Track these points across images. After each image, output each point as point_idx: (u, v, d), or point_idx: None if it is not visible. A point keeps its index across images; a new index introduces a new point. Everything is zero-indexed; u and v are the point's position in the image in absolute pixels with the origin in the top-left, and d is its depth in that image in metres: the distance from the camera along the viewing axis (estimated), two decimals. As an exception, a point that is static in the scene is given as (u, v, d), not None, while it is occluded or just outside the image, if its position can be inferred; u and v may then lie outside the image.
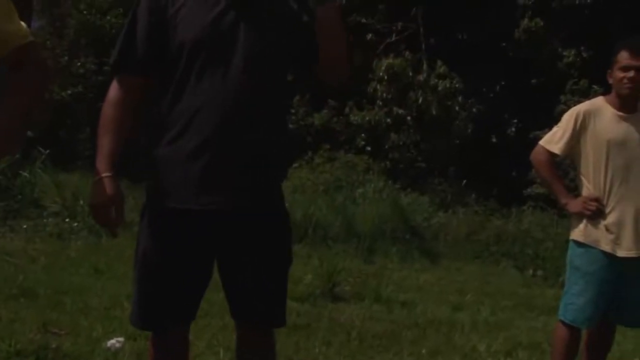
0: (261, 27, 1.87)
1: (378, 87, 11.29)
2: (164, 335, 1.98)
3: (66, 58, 12.41)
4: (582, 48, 11.01)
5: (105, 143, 1.87)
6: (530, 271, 7.12)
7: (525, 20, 11.23)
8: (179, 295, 1.92)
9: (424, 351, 3.66)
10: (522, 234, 8.16)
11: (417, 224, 8.25)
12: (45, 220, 6.26)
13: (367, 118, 11.35)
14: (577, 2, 10.95)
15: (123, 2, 11.77)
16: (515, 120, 11.87)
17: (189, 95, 1.82)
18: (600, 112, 2.94)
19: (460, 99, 11.16)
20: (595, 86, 9.76)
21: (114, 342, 3.18)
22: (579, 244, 2.96)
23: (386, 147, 11.25)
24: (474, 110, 11.38)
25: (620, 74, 2.89)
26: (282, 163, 2.00)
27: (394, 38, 12.20)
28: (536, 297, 5.79)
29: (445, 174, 10.97)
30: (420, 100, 11.03)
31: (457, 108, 11.09)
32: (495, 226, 8.46)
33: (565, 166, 6.65)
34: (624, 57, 2.88)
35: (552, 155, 3.04)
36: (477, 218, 8.89)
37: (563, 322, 2.98)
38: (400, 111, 11.14)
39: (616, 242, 2.88)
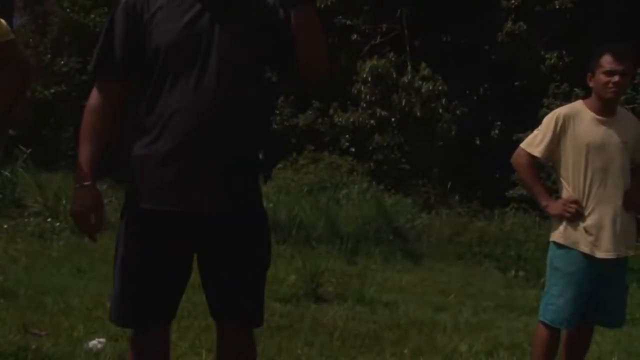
0: (236, 29, 1.89)
1: (362, 88, 11.33)
2: (144, 335, 1.98)
3: (49, 56, 12.30)
4: (564, 52, 11.13)
5: (85, 150, 1.90)
6: (512, 272, 7.18)
7: (509, 24, 11.32)
8: (157, 295, 1.93)
9: (406, 351, 3.68)
10: (504, 236, 8.23)
11: (401, 225, 8.29)
12: (26, 220, 6.21)
13: (351, 119, 11.39)
14: (557, 6, 11.06)
15: (107, 0, 11.71)
16: (499, 123, 11.97)
17: (166, 98, 1.84)
18: (579, 115, 2.98)
19: (444, 101, 11.23)
20: (577, 89, 9.86)
21: (95, 342, 3.16)
22: (558, 245, 3.00)
23: (370, 148, 11.29)
24: (458, 112, 11.45)
25: (605, 78, 2.92)
26: (259, 165, 2.01)
27: (378, 40, 12.25)
28: (518, 298, 5.84)
29: (428, 175, 11.03)
30: (404, 102, 11.08)
31: (440, 110, 11.16)
32: (478, 227, 8.51)
33: (549, 168, 6.72)
34: (607, 61, 2.91)
35: (532, 157, 3.08)
36: (460, 219, 8.94)
37: (543, 323, 3.02)
38: (384, 113, 11.18)
39: (595, 243, 2.92)
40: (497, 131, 11.99)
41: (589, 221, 2.93)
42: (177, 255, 1.92)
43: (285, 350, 3.48)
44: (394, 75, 11.25)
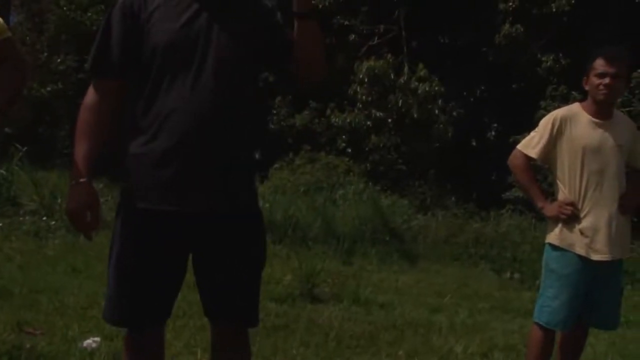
0: (233, 29, 1.89)
1: (359, 89, 11.33)
2: (138, 334, 1.98)
3: (46, 54, 12.27)
4: (561, 54, 11.16)
5: (81, 148, 1.89)
6: (508, 274, 7.19)
7: (506, 26, 11.34)
8: (153, 295, 1.93)
9: (401, 352, 3.68)
10: (500, 237, 8.24)
11: (397, 226, 8.30)
12: (21, 218, 6.19)
13: (347, 120, 11.39)
14: (555, 9, 11.09)
15: (104, -1, 11.69)
16: (495, 125, 12.00)
17: (163, 98, 1.84)
18: (576, 118, 2.99)
19: (440, 102, 11.24)
20: (574, 92, 9.89)
21: (90, 342, 3.15)
22: (554, 247, 3.00)
23: (367, 149, 11.29)
24: (454, 113, 11.46)
25: (597, 81, 2.94)
26: (255, 165, 2.01)
27: (376, 40, 12.26)
28: (513, 300, 5.85)
29: (425, 176, 11.04)
30: (400, 103, 11.09)
31: (436, 112, 11.17)
32: (474, 229, 8.52)
33: (545, 170, 6.73)
34: (599, 64, 2.94)
35: (529, 159, 3.08)
36: (456, 221, 8.95)
37: (538, 325, 3.02)
38: (381, 114, 11.19)
39: (590, 245, 2.92)
40: (493, 133, 12.02)
41: (585, 223, 2.94)
42: (173, 254, 1.91)
43: (281, 350, 3.47)
44: (391, 76, 11.26)
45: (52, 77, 11.98)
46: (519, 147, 3.13)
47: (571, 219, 2.95)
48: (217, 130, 1.84)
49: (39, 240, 5.72)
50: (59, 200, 6.42)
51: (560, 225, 2.98)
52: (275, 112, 12.57)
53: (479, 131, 12.11)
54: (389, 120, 11.27)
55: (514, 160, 3.14)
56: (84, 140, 1.89)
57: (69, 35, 12.29)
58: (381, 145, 11.19)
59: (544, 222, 3.23)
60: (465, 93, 12.25)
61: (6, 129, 10.36)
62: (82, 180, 1.87)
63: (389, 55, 11.48)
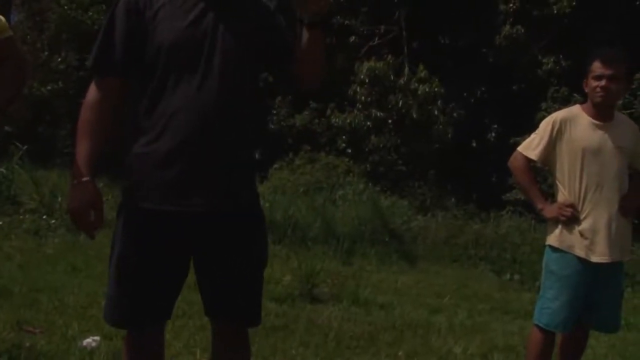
0: (237, 28, 1.89)
1: (359, 89, 11.33)
2: (139, 334, 1.98)
3: (46, 53, 12.26)
4: (561, 56, 11.16)
5: (83, 146, 1.87)
6: (508, 275, 7.20)
7: (507, 27, 11.35)
8: (154, 295, 1.92)
9: (401, 353, 3.68)
10: (500, 239, 8.24)
11: (397, 226, 8.30)
12: (21, 217, 6.19)
13: (348, 120, 11.39)
14: (556, 11, 11.09)
15: (105, -2, 11.69)
16: (496, 126, 11.99)
17: (167, 98, 1.83)
18: (576, 120, 2.99)
19: (439, 103, 11.24)
20: (575, 94, 9.89)
21: (89, 341, 3.15)
22: (554, 249, 3.00)
23: (366, 149, 11.29)
24: (455, 114, 11.46)
25: (594, 83, 2.95)
26: (256, 165, 2.01)
27: (376, 41, 12.26)
28: (513, 301, 5.85)
29: (425, 177, 11.03)
30: (400, 104, 11.09)
31: (436, 112, 11.17)
32: (474, 230, 8.52)
33: (545, 172, 6.74)
34: (596, 66, 2.94)
35: (529, 161, 3.09)
36: (456, 222, 8.95)
37: (538, 326, 3.02)
38: (381, 114, 11.19)
39: (590, 247, 2.92)
40: (493, 134, 12.01)
41: (585, 225, 2.94)
42: (174, 254, 1.91)
43: (280, 350, 3.47)
44: (391, 77, 11.26)
45: (52, 76, 11.96)
46: (519, 149, 3.14)
47: (571, 220, 2.95)
48: (220, 130, 1.83)
49: (39, 239, 5.72)
50: (59, 199, 6.42)
51: (560, 226, 2.98)
52: (275, 112, 12.56)
53: (479, 132, 12.11)
54: (389, 120, 11.27)
55: (514, 162, 3.14)
56: (86, 139, 1.87)
57: (69, 34, 12.28)
58: (381, 145, 11.19)
59: (544, 223, 3.23)
60: (465, 94, 12.24)
61: (6, 128, 10.36)
62: (84, 179, 1.85)
63: (390, 56, 11.48)
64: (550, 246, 3.03)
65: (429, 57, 11.69)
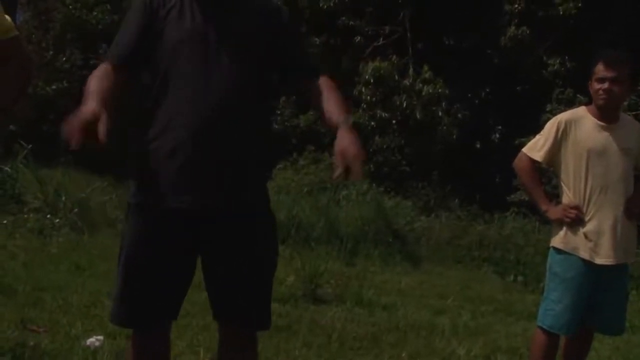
0: (242, 28, 1.90)
1: (364, 90, 11.32)
2: (145, 334, 1.98)
3: (51, 52, 12.30)
4: (567, 57, 11.14)
5: (91, 87, 1.80)
6: (511, 276, 7.18)
7: (512, 28, 11.32)
8: (160, 294, 1.92)
9: (404, 354, 3.67)
10: (503, 240, 8.22)
11: (400, 227, 8.28)
12: (26, 216, 6.19)
13: (352, 120, 11.36)
14: (562, 12, 11.06)
15: (110, -2, 11.72)
16: (500, 127, 11.97)
17: (170, 97, 1.84)
18: (581, 121, 2.99)
19: (444, 104, 11.23)
20: (580, 96, 9.87)
21: (93, 340, 3.16)
22: (558, 250, 3.00)
23: (370, 150, 11.28)
24: (459, 115, 11.45)
25: (597, 86, 2.94)
26: (262, 165, 2.00)
27: (381, 41, 12.25)
28: (516, 303, 5.84)
29: (428, 178, 11.02)
30: (405, 105, 11.08)
31: (440, 114, 11.15)
32: (478, 231, 8.50)
33: (550, 173, 6.73)
34: (599, 69, 2.94)
35: (534, 162, 3.08)
36: (459, 223, 8.94)
37: (542, 328, 3.01)
38: (385, 114, 11.18)
39: (595, 249, 2.91)
40: (498, 135, 11.99)
41: (589, 227, 2.93)
42: (181, 254, 1.91)
43: (283, 351, 3.47)
44: (396, 78, 11.25)
45: (57, 75, 12.00)
46: (524, 150, 3.13)
47: (575, 222, 2.94)
48: (223, 129, 1.84)
49: (43, 238, 5.73)
50: (63, 198, 6.42)
51: (564, 228, 2.98)
52: (279, 112, 12.57)
53: (484, 133, 12.09)
54: (393, 121, 11.26)
55: (519, 163, 3.13)
56: (95, 83, 1.81)
57: (74, 34, 12.32)
58: (385, 146, 11.18)
59: (548, 225, 3.23)
60: (470, 95, 12.23)
61: (11, 127, 10.39)
62: (91, 102, 1.72)
63: (394, 57, 11.47)
64: (554, 248, 3.02)
65: (434, 58, 11.68)
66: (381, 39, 12.31)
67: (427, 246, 7.96)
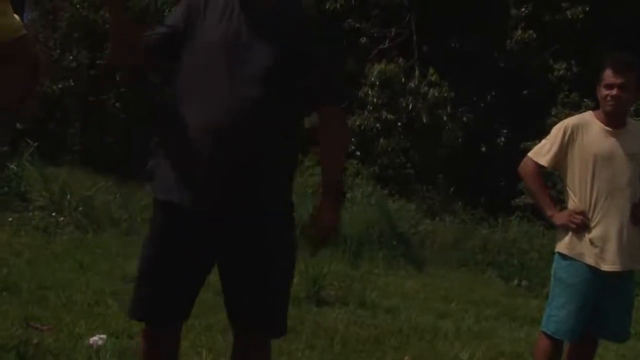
0: (271, 32, 1.91)
1: (369, 92, 11.32)
2: (158, 330, 2.00)
3: (58, 51, 12.33)
4: (573, 62, 11.11)
5: None
6: (515, 281, 7.15)
7: (518, 32, 11.30)
8: (175, 292, 1.94)
9: (407, 358, 3.67)
10: (508, 244, 8.19)
11: (404, 230, 8.26)
12: (31, 213, 6.21)
13: (357, 122, 11.37)
14: (570, 16, 11.04)
15: (117, -2, 11.71)
16: (505, 130, 11.95)
17: (197, 95, 1.86)
18: (588, 126, 2.98)
19: (448, 108, 11.21)
20: (586, 100, 9.84)
21: (96, 339, 3.16)
22: (563, 256, 2.98)
23: (375, 152, 11.27)
24: (464, 119, 11.43)
25: (604, 91, 2.93)
26: (284, 170, 2.00)
27: (387, 44, 12.25)
28: (520, 307, 5.82)
29: (433, 181, 11.00)
30: (410, 107, 11.07)
31: (444, 118, 11.15)
32: (482, 235, 8.48)
33: (555, 177, 6.71)
34: (607, 74, 2.92)
35: (539, 167, 3.07)
36: (464, 226, 8.91)
37: (545, 334, 3.00)
38: (391, 117, 11.17)
39: (600, 255, 2.90)
40: (503, 139, 11.96)
41: (595, 233, 2.92)
42: (199, 254, 1.93)
43: (286, 353, 3.47)
44: (402, 80, 11.24)
45: (63, 74, 12.03)
46: (529, 154, 3.12)
47: (581, 228, 2.93)
48: (247, 133, 1.84)
49: (48, 236, 5.74)
50: (68, 197, 6.43)
51: (569, 234, 2.97)
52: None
53: (489, 137, 12.07)
54: (399, 123, 11.25)
55: (524, 167, 3.12)
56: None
57: (81, 33, 12.33)
58: (390, 148, 11.17)
59: (553, 229, 3.22)
60: (475, 98, 12.20)
61: (17, 124, 10.41)
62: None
63: (400, 59, 11.46)
64: (559, 253, 3.01)
65: (439, 61, 11.67)
66: (387, 41, 12.30)
67: (431, 249, 7.94)
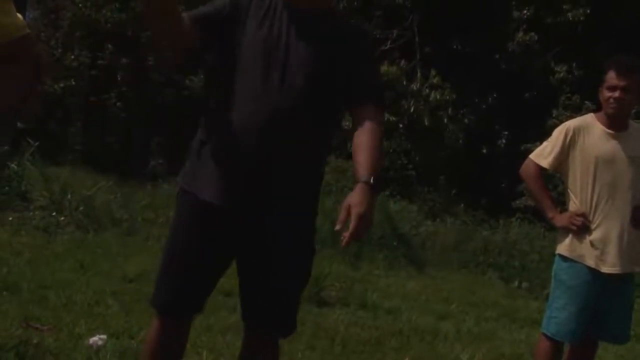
0: (319, 52, 1.91)
1: (372, 93, 11.31)
2: (175, 321, 2.01)
3: (60, 50, 12.34)
4: (574, 64, 11.11)
5: None
6: (516, 283, 7.15)
7: (520, 34, 11.30)
8: (201, 285, 1.98)
9: (407, 359, 3.66)
10: (509, 246, 8.19)
11: (405, 231, 8.26)
12: (31, 213, 6.21)
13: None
14: (571, 18, 11.04)
15: (119, -3, 11.74)
16: (506, 133, 11.95)
17: (237, 97, 1.87)
18: (590, 128, 2.97)
19: (450, 111, 11.21)
20: (587, 102, 9.84)
21: (96, 339, 3.16)
22: (564, 258, 2.98)
23: (377, 153, 11.25)
24: (466, 120, 11.43)
25: (607, 94, 2.92)
26: (312, 178, 2.02)
27: (389, 45, 12.25)
28: (520, 309, 5.81)
29: (435, 183, 11.00)
30: (412, 109, 11.07)
31: (445, 120, 11.14)
32: (483, 237, 8.47)
33: (556, 179, 6.70)
34: (611, 77, 2.92)
35: (541, 169, 3.07)
36: (464, 228, 8.91)
37: (546, 335, 3.00)
38: (392, 119, 11.16)
39: (601, 258, 2.90)
40: (504, 141, 11.96)
41: (596, 235, 2.92)
42: (219, 250, 1.95)
43: (287, 353, 3.46)
44: (404, 82, 11.24)
45: (65, 73, 12.04)
46: (531, 156, 3.12)
47: (582, 230, 2.93)
48: (283, 137, 1.86)
49: (48, 236, 5.74)
50: (69, 197, 6.43)
51: (570, 236, 2.96)
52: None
53: (490, 138, 12.06)
54: (400, 125, 11.25)
55: (525, 169, 3.12)
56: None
57: (83, 32, 12.35)
58: (391, 150, 11.16)
59: (554, 231, 3.21)
60: (477, 100, 12.20)
61: (18, 124, 10.41)
62: None
63: (402, 61, 11.46)
64: (560, 255, 3.01)
65: (441, 62, 11.67)
66: (389, 42, 12.29)
67: (432, 251, 7.94)
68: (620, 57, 3.05)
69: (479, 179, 11.34)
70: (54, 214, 6.22)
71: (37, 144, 7.57)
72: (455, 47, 12.45)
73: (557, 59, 11.33)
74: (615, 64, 2.94)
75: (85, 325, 3.40)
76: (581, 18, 10.91)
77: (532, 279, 7.07)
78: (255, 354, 2.04)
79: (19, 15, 2.04)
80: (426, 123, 10.97)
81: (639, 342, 4.76)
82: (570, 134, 2.98)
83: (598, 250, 2.91)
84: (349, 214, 1.73)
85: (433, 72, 11.31)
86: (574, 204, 2.99)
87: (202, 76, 11.36)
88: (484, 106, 12.26)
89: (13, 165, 6.76)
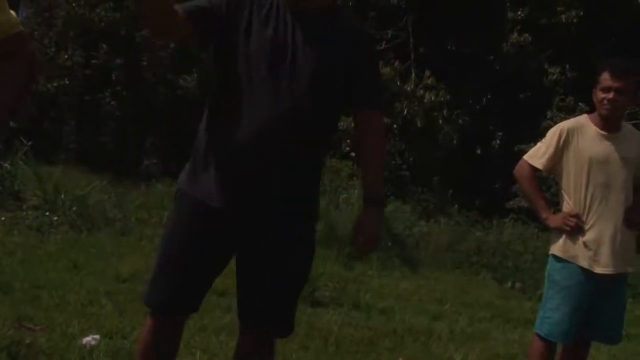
0: (323, 54, 1.90)
1: (365, 94, 11.31)
2: (169, 320, 2.01)
3: (53, 49, 12.29)
4: (568, 66, 11.15)
5: None
6: (509, 283, 7.17)
7: (514, 35, 11.33)
8: (197, 285, 1.98)
9: (401, 359, 3.67)
10: (502, 246, 8.21)
11: (399, 232, 8.27)
12: (24, 212, 6.18)
13: (352, 124, 11.36)
14: (564, 20, 11.08)
15: (113, -4, 11.70)
16: (501, 133, 11.98)
17: (241, 99, 1.86)
18: (583, 130, 2.98)
19: (444, 112, 11.22)
20: (581, 104, 9.87)
21: (89, 339, 3.15)
22: (557, 259, 2.99)
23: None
24: (460, 121, 11.45)
25: (601, 95, 2.94)
26: (312, 181, 2.03)
27: (383, 45, 12.25)
28: (514, 309, 5.83)
29: (428, 183, 11.01)
30: (406, 111, 11.08)
31: (440, 121, 11.16)
32: (476, 237, 8.49)
33: (550, 180, 6.72)
34: (605, 78, 2.93)
35: (534, 169, 3.08)
36: (458, 228, 8.93)
37: (539, 336, 3.01)
38: (386, 119, 11.17)
39: (594, 258, 2.91)
40: (498, 141, 11.99)
41: (589, 236, 2.93)
42: (217, 250, 1.95)
43: (280, 354, 3.44)
44: (398, 83, 11.25)
45: (59, 72, 11.99)
46: (525, 157, 3.13)
47: (575, 231, 2.94)
48: (284, 140, 1.86)
49: (41, 236, 5.71)
50: (62, 196, 6.41)
51: (564, 236, 2.98)
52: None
53: (484, 139, 12.09)
54: (394, 126, 11.25)
55: (519, 170, 3.13)
56: None
57: (76, 31, 12.30)
58: (385, 151, 11.18)
59: (547, 232, 3.23)
60: (471, 101, 12.23)
61: (11, 123, 10.36)
62: None
63: (396, 62, 11.47)
64: (553, 256, 3.02)
65: (436, 63, 11.68)
66: (383, 43, 12.30)
67: (425, 251, 7.95)
68: (614, 59, 3.06)
69: (473, 179, 11.36)
70: (47, 213, 6.19)
71: (30, 143, 7.53)
72: (449, 48, 12.47)
73: (551, 61, 11.37)
74: (610, 65, 2.95)
75: (78, 325, 3.39)
76: (575, 20, 10.95)
77: (526, 279, 7.09)
78: (251, 354, 2.03)
79: (12, 12, 2.03)
80: (419, 124, 10.98)
81: (630, 342, 4.79)
82: (564, 135, 2.99)
83: (591, 250, 2.92)
84: (360, 232, 1.89)
85: (427, 73, 11.32)
86: (567, 205, 3.00)
87: (195, 75, 11.34)
88: (478, 107, 12.28)
89: (6, 164, 6.73)
